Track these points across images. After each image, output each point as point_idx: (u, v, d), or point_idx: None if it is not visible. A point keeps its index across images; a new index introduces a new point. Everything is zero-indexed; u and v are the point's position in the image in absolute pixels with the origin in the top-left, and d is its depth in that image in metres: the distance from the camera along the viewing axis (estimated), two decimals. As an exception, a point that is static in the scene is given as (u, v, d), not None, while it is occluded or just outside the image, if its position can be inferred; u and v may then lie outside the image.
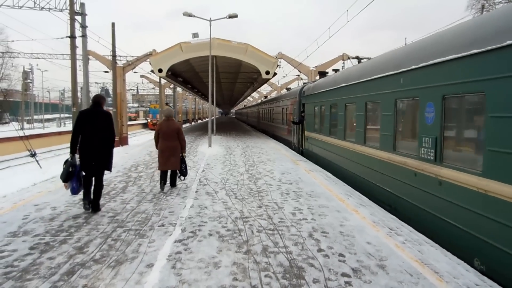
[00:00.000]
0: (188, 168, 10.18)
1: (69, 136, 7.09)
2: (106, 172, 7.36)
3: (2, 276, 4.33)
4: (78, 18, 20.18)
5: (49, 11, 21.70)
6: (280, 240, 5.60)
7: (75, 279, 4.26)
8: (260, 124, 42.57)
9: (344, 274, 4.46)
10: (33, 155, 17.91)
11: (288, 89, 30.40)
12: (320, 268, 4.60)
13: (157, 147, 9.30)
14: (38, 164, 17.67)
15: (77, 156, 7.06)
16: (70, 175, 6.95)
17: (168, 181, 9.42)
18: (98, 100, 7.37)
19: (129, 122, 45.67)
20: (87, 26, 20.78)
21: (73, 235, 5.76)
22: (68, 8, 19.93)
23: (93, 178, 7.18)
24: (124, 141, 27.92)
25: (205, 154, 16.84)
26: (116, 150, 21.21)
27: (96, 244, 5.37)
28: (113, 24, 26.82)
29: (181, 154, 9.28)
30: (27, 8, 22.88)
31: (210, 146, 19.58)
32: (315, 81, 17.76)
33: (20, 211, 7.07)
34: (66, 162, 7.06)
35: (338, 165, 12.09)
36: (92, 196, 7.13)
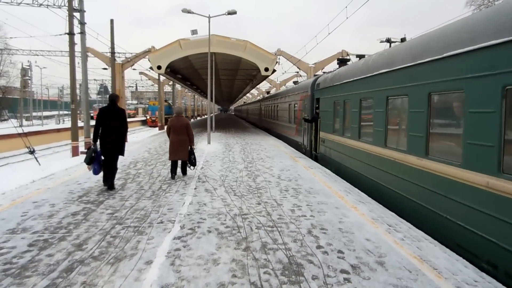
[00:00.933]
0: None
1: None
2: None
3: (1, 273, 4.32)
4: (77, 14, 20.09)
5: (47, 7, 21.61)
6: (279, 236, 5.60)
7: (74, 276, 4.26)
8: (263, 122, 38.40)
9: (343, 271, 4.46)
10: (31, 152, 17.92)
11: (295, 82, 25.89)
12: (319, 265, 4.60)
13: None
14: (37, 161, 17.67)
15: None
16: (92, 159, 8.65)
17: (179, 171, 10.53)
18: (114, 98, 9.03)
19: (128, 119, 45.68)
20: (85, 23, 20.68)
21: (72, 232, 5.75)
22: (67, 4, 19.84)
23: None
24: (123, 138, 27.86)
25: (204, 151, 16.83)
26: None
27: (95, 241, 5.37)
28: (111, 21, 26.72)
29: (189, 147, 10.33)
30: (25, 4, 22.80)
31: (209, 143, 19.56)
32: (333, 71, 14.01)
33: (19, 208, 7.06)
34: (89, 148, 8.73)
35: (375, 181, 8.89)
36: (110, 177, 8.80)
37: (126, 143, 9.10)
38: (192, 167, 10.66)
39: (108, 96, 9.32)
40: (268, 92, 48.87)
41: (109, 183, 8.76)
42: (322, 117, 14.26)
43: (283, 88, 42.50)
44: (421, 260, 4.79)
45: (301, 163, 13.28)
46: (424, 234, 5.94)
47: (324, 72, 16.65)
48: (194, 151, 10.55)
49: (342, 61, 14.97)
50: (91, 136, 9.36)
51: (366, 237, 5.62)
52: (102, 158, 8.74)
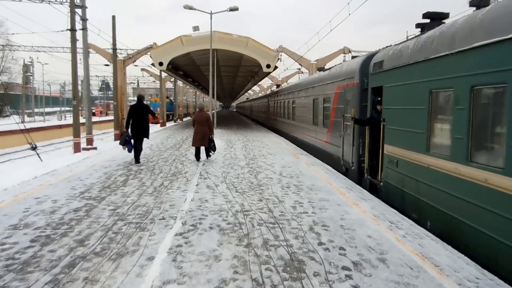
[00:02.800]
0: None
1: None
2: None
3: (3, 268, 4.34)
4: (79, 11, 20.06)
5: (49, 3, 21.61)
6: (280, 233, 5.60)
7: (76, 271, 4.27)
8: (271, 121, 31.85)
9: (344, 268, 4.46)
10: (34, 148, 17.92)
11: (321, 69, 18.03)
12: (321, 262, 4.60)
13: None
14: (39, 157, 17.68)
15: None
16: (126, 142, 11.87)
17: (202, 156, 13.01)
18: (140, 98, 12.58)
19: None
20: (87, 19, 20.65)
21: (74, 228, 5.76)
22: (68, 0, 19.81)
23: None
24: (124, 135, 27.87)
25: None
26: (117, 144, 21.25)
27: (97, 237, 5.38)
28: (113, 17, 26.67)
29: (210, 136, 12.69)
30: (27, 1, 22.80)
31: (210, 139, 19.53)
32: (406, 40, 8.30)
33: (21, 204, 7.08)
34: (122, 134, 12.12)
35: None
36: (137, 154, 12.19)
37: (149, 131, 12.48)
38: (212, 152, 13.02)
39: (136, 96, 13.06)
40: (278, 85, 40.21)
41: (138, 159, 12.14)
42: (391, 119, 8.42)
43: (315, 74, 33.97)
44: (422, 257, 4.79)
45: (303, 160, 13.27)
46: (425, 231, 5.93)
47: (400, 42, 8.76)
48: (214, 139, 13.06)
49: (434, 18, 7.97)
50: (124, 125, 13.29)
51: (367, 234, 5.62)
52: (132, 141, 11.97)
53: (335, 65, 14.26)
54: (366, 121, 9.71)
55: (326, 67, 19.87)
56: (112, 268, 4.36)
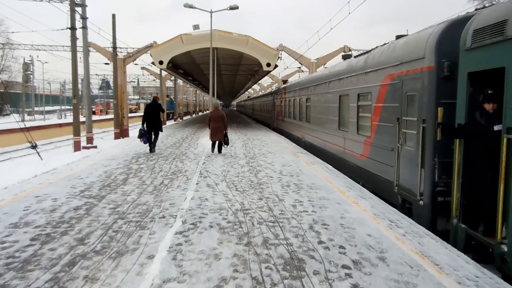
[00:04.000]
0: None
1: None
2: (141, 142, 14.47)
3: (3, 266, 4.35)
4: (79, 9, 20.03)
5: (49, 2, 21.53)
6: (280, 232, 5.61)
7: (76, 270, 4.27)
8: (278, 123, 28.18)
9: (344, 266, 4.47)
10: (34, 146, 17.93)
11: (346, 56, 14.62)
12: (321, 260, 4.61)
13: (209, 127, 14.40)
14: (39, 155, 17.69)
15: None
16: (142, 135, 14.06)
17: (216, 150, 14.53)
18: (155, 99, 15.22)
19: (130, 114, 45.59)
20: (87, 18, 20.62)
21: (74, 226, 5.77)
22: (68, -1, 19.77)
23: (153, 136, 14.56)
24: (125, 133, 27.84)
25: (206, 146, 16.83)
26: (117, 142, 21.29)
27: (97, 235, 5.38)
28: (113, 16, 26.63)
29: (224, 131, 14.14)
30: (27, -1, 22.75)
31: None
32: None
33: (21, 203, 7.08)
34: (140, 130, 14.17)
35: None
36: (153, 145, 14.57)
37: (163, 126, 15.36)
38: (226, 146, 14.60)
39: (151, 97, 16.04)
40: (285, 81, 34.85)
41: (152, 149, 14.44)
42: None
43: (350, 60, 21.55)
44: (422, 256, 4.79)
45: (303, 158, 13.27)
46: (425, 230, 5.94)
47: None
48: (228, 134, 14.57)
49: None
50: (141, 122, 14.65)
51: (367, 232, 5.62)
52: (147, 134, 14.24)
53: (376, 48, 10.03)
54: (463, 130, 5.87)
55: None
56: (112, 267, 4.37)
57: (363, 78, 10.18)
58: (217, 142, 14.36)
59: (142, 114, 15.74)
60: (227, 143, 14.45)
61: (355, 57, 11.93)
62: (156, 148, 15.01)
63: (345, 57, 14.24)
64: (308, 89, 17.29)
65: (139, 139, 14.34)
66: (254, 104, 52.65)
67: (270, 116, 32.69)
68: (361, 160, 10.18)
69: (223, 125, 14.10)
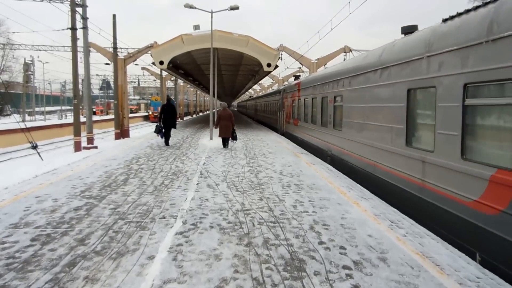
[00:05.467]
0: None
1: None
2: (158, 136, 17.43)
3: (3, 267, 4.34)
4: (79, 9, 20.05)
5: (50, 2, 21.55)
6: (281, 232, 5.60)
7: (76, 270, 4.27)
8: (289, 127, 23.29)
9: (345, 267, 4.46)
10: (34, 147, 17.95)
11: (406, 31, 8.45)
12: (321, 261, 4.60)
13: (217, 126, 16.50)
14: (40, 156, 17.70)
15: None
16: (159, 131, 16.64)
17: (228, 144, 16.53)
18: (169, 99, 17.47)
19: (130, 115, 45.64)
20: (88, 18, 20.64)
21: (74, 227, 5.76)
22: (69, -1, 19.78)
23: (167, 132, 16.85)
24: (125, 134, 27.87)
25: (206, 146, 16.84)
26: (118, 143, 21.26)
27: (97, 236, 5.38)
28: (114, 16, 26.67)
29: (232, 128, 16.28)
30: (27, -1, 22.76)
31: (211, 139, 19.55)
32: None
33: (22, 203, 7.08)
34: (157, 126, 16.77)
35: None
36: (167, 139, 17.00)
37: (176, 122, 17.72)
38: (234, 141, 16.85)
39: (166, 98, 18.14)
40: (296, 76, 29.97)
41: (167, 143, 16.92)
42: None
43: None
44: (423, 257, 4.78)
45: (303, 159, 13.26)
46: (426, 230, 5.92)
47: None
48: (236, 131, 16.74)
49: None
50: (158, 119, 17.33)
51: (368, 233, 5.61)
52: (163, 130, 16.78)
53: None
54: None
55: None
56: (113, 267, 4.36)
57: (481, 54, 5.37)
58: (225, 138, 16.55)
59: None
60: (235, 138, 16.61)
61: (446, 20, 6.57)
62: (156, 147, 15.01)
63: (406, 32, 8.44)
64: (339, 83, 12.44)
65: (155, 134, 17.29)
66: (257, 104, 47.27)
67: (277, 118, 28.34)
68: (479, 214, 5.32)
69: (230, 123, 16.19)
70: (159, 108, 20.67)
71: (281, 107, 26.58)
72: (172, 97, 56.24)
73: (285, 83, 46.66)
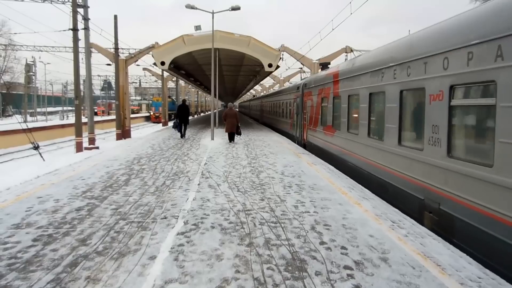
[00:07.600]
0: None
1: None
2: (176, 131, 22.11)
3: (5, 267, 4.35)
4: (81, 10, 20.10)
5: (51, 3, 21.65)
6: (282, 232, 5.60)
7: (78, 270, 4.28)
8: (315, 134, 16.00)
9: (346, 267, 4.46)
10: (36, 147, 18.00)
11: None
12: (323, 261, 4.60)
13: (225, 121, 19.12)
14: (41, 156, 17.74)
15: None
16: (176, 126, 21.39)
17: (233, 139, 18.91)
18: (184, 101, 22.48)
19: (132, 115, 45.72)
20: (89, 19, 20.69)
21: (76, 227, 5.77)
22: (71, 0, 19.84)
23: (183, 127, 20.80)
24: (126, 134, 27.90)
25: (208, 147, 16.85)
26: (119, 143, 21.33)
27: (99, 236, 5.39)
28: (115, 17, 26.71)
29: (237, 125, 18.89)
30: (29, 0, 22.84)
31: (212, 139, 19.58)
32: None
33: (24, 203, 7.09)
34: (174, 122, 21.58)
35: None
36: (183, 133, 21.35)
37: (189, 118, 22.35)
38: (239, 136, 19.82)
39: (182, 100, 22.94)
40: (324, 66, 22.06)
41: (183, 136, 21.07)
42: None
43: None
44: (424, 257, 4.78)
45: (305, 159, 13.26)
46: (427, 231, 5.92)
47: None
48: (240, 127, 19.57)
49: None
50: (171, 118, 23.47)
51: (369, 233, 5.61)
52: (178, 126, 21.16)
53: None
54: None
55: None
56: (114, 267, 4.37)
57: None
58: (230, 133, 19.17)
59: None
60: (239, 134, 19.49)
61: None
62: (157, 147, 15.01)
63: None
64: (399, 73, 7.70)
65: (173, 129, 22.45)
66: (264, 105, 39.41)
67: (294, 123, 21.77)
68: None
69: (235, 120, 18.97)
70: (176, 108, 23.97)
71: (300, 108, 19.70)
72: (173, 98, 56.42)
73: (287, 83, 46.52)
